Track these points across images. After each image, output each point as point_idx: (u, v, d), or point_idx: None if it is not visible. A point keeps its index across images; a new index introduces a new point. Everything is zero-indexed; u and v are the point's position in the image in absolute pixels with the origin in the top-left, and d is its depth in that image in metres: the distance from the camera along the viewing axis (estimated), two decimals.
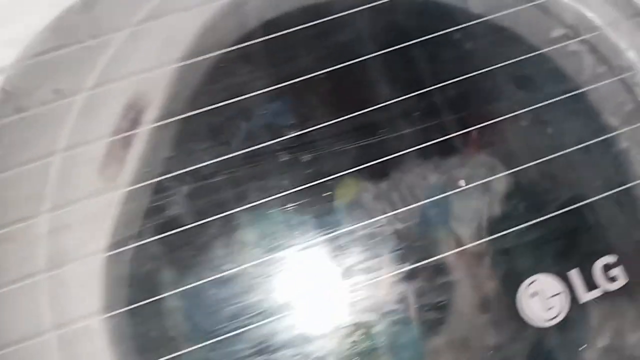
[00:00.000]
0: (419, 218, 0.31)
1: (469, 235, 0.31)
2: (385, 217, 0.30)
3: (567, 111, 0.32)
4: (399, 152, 0.31)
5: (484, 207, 0.31)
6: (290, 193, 0.30)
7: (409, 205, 0.30)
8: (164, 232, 0.29)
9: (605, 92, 0.33)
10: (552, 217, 0.30)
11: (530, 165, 0.31)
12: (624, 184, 0.31)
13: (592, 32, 0.33)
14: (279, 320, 0.29)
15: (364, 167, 0.30)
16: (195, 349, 0.28)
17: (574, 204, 0.30)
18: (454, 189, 0.30)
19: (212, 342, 0.28)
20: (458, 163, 0.31)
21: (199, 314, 0.29)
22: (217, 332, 0.28)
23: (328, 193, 0.30)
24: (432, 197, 0.30)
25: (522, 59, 0.32)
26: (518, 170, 0.31)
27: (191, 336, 0.29)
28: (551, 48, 0.33)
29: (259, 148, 0.31)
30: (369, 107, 0.31)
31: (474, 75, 0.31)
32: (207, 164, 0.30)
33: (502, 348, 0.29)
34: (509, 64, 0.32)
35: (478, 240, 0.30)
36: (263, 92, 0.31)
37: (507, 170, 0.31)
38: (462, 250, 0.30)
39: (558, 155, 0.31)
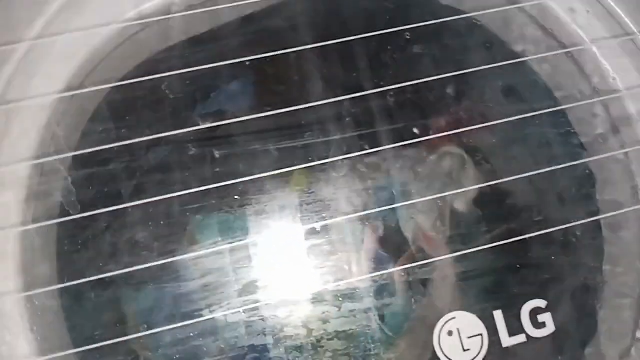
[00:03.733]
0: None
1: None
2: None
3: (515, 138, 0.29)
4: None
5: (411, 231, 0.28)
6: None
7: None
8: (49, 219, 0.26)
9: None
10: (482, 250, 0.27)
11: (467, 190, 0.28)
12: (567, 223, 0.28)
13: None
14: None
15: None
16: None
17: (509, 238, 0.27)
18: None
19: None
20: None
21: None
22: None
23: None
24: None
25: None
26: (455, 194, 0.28)
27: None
28: None
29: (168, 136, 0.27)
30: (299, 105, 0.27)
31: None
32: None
33: None
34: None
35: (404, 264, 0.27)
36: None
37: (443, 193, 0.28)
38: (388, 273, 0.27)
39: (497, 183, 0.28)
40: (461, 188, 0.28)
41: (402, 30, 0.27)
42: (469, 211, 0.28)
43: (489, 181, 0.27)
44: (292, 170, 0.27)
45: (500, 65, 0.28)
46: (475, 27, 0.30)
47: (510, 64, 0.28)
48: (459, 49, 0.30)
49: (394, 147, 0.27)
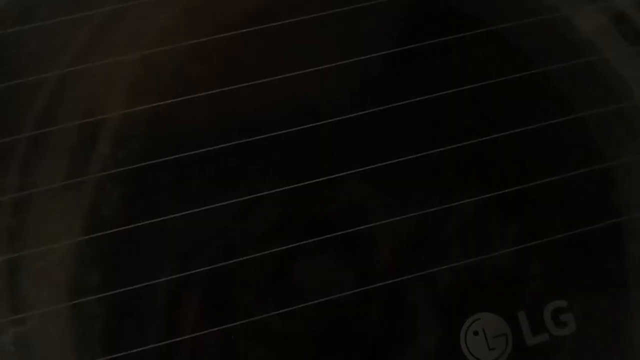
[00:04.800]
0: None
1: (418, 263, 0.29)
2: None
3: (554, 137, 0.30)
4: None
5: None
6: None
7: None
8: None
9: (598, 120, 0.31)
10: (504, 253, 0.28)
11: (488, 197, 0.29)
12: (588, 225, 0.29)
13: None
14: None
15: None
16: None
17: (531, 241, 0.29)
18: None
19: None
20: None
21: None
22: None
23: None
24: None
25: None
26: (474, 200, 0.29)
27: None
28: None
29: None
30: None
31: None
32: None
33: None
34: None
35: (426, 270, 0.29)
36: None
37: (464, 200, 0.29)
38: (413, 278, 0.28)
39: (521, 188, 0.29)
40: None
41: None
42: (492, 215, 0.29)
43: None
44: None
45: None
46: None
47: None
48: None
49: None
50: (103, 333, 0.28)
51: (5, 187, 0.29)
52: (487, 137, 0.29)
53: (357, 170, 0.28)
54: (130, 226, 0.28)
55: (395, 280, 0.28)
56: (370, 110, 0.29)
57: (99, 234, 0.28)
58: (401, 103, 0.30)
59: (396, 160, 0.29)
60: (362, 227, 0.28)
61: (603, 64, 0.31)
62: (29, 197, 0.29)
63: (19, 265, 0.28)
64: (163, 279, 0.28)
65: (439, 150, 0.29)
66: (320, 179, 0.28)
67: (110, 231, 0.28)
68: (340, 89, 0.30)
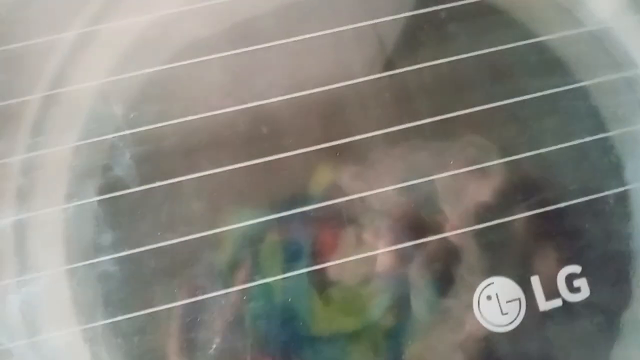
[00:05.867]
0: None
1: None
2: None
3: (553, 108, 0.30)
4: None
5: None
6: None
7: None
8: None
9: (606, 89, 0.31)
10: (518, 218, 0.28)
11: (503, 162, 0.29)
12: (600, 192, 0.29)
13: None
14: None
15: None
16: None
17: (544, 207, 0.29)
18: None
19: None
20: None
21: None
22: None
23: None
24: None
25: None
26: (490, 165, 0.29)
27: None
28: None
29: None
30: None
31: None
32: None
33: (458, 347, 0.28)
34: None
35: (439, 234, 0.29)
36: None
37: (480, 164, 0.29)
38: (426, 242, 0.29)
39: (535, 154, 0.29)
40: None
41: None
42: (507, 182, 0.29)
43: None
44: None
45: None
46: None
47: None
48: None
49: None
50: (115, 293, 0.27)
51: (16, 147, 0.29)
52: (502, 103, 0.29)
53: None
54: (144, 187, 0.28)
55: (408, 244, 0.28)
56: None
57: (111, 194, 0.28)
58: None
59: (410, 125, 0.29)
60: (377, 190, 0.28)
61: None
62: (41, 157, 0.29)
63: (29, 225, 0.28)
64: (176, 241, 0.28)
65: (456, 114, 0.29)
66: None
67: (124, 192, 0.28)
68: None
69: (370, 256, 0.28)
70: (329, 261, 0.28)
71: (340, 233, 0.28)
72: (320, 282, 0.28)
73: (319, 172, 0.29)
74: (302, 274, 0.27)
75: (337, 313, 0.28)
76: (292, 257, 0.28)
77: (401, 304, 0.28)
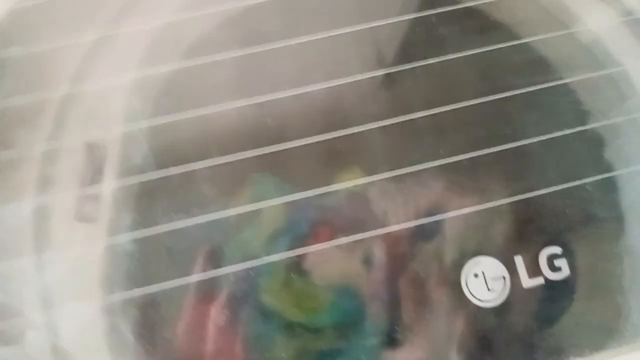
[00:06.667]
0: None
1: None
2: None
3: (533, 101, 0.33)
4: None
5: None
6: None
7: None
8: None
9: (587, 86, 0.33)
10: (504, 203, 0.31)
11: (490, 152, 0.31)
12: (580, 179, 0.31)
13: None
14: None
15: None
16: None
17: (529, 192, 0.31)
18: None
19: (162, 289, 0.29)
20: None
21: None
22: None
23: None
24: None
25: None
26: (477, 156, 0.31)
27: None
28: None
29: None
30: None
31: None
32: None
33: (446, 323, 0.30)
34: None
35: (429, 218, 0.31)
36: None
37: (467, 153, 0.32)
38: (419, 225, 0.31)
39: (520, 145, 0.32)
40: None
41: None
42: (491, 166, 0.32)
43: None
44: None
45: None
46: None
47: None
48: None
49: None
50: (135, 271, 0.30)
51: (38, 138, 0.32)
52: (496, 97, 0.32)
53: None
54: (161, 173, 0.31)
55: (400, 227, 0.31)
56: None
57: (130, 181, 0.31)
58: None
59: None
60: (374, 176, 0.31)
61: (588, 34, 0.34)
62: (62, 149, 0.31)
63: (52, 210, 0.31)
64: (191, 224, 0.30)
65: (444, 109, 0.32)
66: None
67: (142, 179, 0.31)
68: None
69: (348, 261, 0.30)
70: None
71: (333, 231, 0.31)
72: (293, 265, 0.30)
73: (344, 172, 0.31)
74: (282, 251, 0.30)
75: (288, 297, 0.30)
76: (283, 236, 0.30)
77: (347, 327, 0.30)
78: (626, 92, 0.33)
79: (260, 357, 0.29)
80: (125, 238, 0.30)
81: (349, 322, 0.30)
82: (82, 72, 0.33)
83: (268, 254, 0.30)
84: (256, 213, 0.30)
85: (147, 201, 0.31)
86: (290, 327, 0.29)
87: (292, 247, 0.30)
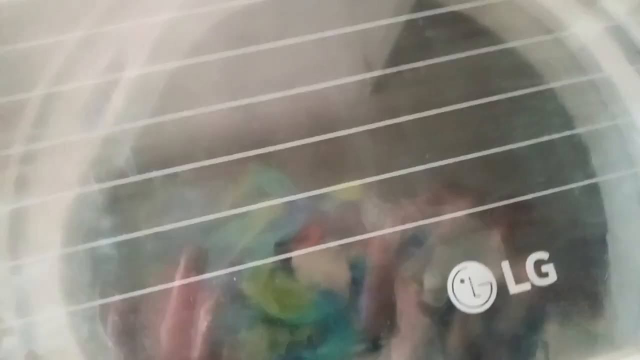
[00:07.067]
0: None
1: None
2: None
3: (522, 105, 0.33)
4: None
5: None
6: None
7: None
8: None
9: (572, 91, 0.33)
10: (490, 209, 0.30)
11: (477, 157, 0.31)
12: (566, 184, 0.31)
13: None
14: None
15: None
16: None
17: (515, 197, 0.31)
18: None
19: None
20: None
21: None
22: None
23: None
24: None
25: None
26: (463, 160, 0.31)
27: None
28: None
29: None
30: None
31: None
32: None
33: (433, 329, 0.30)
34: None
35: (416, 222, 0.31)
36: None
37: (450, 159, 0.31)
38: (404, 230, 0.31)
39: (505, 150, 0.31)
40: None
41: None
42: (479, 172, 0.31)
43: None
44: None
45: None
46: None
47: None
48: None
49: None
50: (113, 275, 0.29)
51: (17, 139, 0.31)
52: (483, 101, 0.32)
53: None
54: (142, 176, 0.30)
55: (386, 232, 0.30)
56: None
57: (110, 183, 0.30)
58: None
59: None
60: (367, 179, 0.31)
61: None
62: (41, 149, 0.31)
63: (29, 213, 0.30)
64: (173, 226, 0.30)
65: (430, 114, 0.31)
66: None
67: (122, 181, 0.30)
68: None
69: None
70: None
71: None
72: (280, 263, 0.30)
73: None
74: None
75: (270, 292, 0.29)
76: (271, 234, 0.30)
77: (324, 330, 0.29)
78: (609, 97, 0.33)
79: (235, 341, 0.29)
80: (106, 242, 0.29)
81: (329, 323, 0.29)
82: (63, 71, 0.32)
83: (253, 254, 0.29)
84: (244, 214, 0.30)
85: (128, 204, 0.30)
86: (268, 320, 0.29)
87: (279, 246, 0.30)
